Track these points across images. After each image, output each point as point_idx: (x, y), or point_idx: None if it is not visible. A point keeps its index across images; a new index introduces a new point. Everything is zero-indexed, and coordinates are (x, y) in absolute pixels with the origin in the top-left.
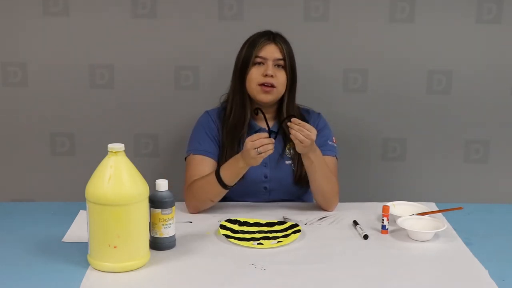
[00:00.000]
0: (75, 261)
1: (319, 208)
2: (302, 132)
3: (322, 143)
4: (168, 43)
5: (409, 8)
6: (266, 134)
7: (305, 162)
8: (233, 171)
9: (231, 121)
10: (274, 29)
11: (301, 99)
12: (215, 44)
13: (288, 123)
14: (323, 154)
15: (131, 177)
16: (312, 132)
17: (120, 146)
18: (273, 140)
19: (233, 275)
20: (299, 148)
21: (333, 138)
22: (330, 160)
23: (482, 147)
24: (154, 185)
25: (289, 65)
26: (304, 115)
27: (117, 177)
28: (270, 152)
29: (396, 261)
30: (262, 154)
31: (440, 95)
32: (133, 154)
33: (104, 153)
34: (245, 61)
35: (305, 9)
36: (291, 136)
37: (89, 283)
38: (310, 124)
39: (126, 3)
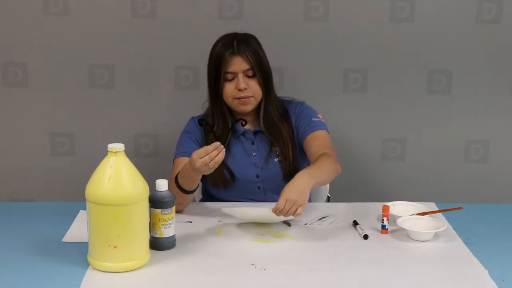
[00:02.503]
0: (75, 261)
1: (319, 208)
2: (291, 210)
3: (308, 122)
4: (168, 43)
5: (409, 8)
6: (213, 148)
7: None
8: (187, 179)
9: (215, 133)
10: (274, 29)
11: (301, 99)
12: None
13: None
14: (312, 131)
15: (131, 177)
16: (289, 203)
17: (120, 146)
18: (222, 146)
19: (233, 275)
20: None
21: (318, 115)
22: (320, 133)
23: (482, 147)
24: (154, 185)
25: (259, 71)
26: (287, 108)
27: (117, 177)
28: (221, 160)
29: (396, 261)
30: (209, 168)
31: (440, 95)
32: (133, 154)
33: (104, 153)
34: (215, 78)
35: (305, 9)
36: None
37: (89, 283)
38: (291, 112)
39: (126, 3)
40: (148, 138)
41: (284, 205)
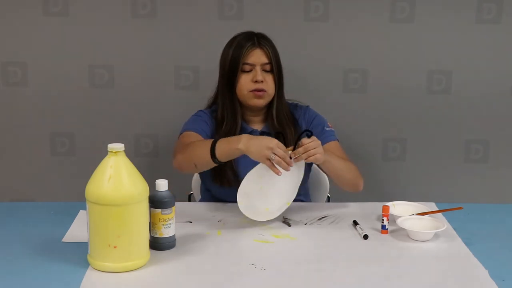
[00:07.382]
0: (75, 261)
1: (319, 208)
2: (310, 151)
3: (320, 132)
4: (168, 43)
5: (409, 8)
6: (290, 154)
7: (325, 167)
8: (230, 148)
9: (224, 129)
10: (274, 29)
11: (301, 99)
12: (215, 44)
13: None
14: (325, 142)
15: (131, 177)
16: (315, 142)
17: (120, 146)
18: (292, 163)
19: (233, 275)
20: (318, 160)
21: (328, 123)
22: (334, 145)
23: (482, 147)
24: (154, 185)
25: (276, 67)
26: (293, 112)
27: (117, 177)
28: (281, 166)
29: (396, 261)
30: (268, 160)
31: (440, 95)
32: (133, 154)
33: (104, 153)
34: (232, 68)
35: (305, 9)
36: (310, 159)
37: (89, 283)
38: (299, 117)
39: (126, 3)
40: (148, 138)
41: (310, 143)
